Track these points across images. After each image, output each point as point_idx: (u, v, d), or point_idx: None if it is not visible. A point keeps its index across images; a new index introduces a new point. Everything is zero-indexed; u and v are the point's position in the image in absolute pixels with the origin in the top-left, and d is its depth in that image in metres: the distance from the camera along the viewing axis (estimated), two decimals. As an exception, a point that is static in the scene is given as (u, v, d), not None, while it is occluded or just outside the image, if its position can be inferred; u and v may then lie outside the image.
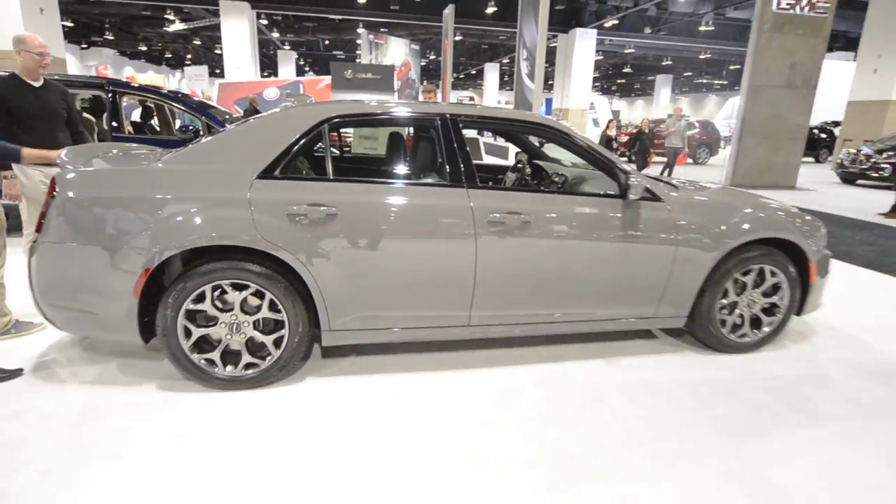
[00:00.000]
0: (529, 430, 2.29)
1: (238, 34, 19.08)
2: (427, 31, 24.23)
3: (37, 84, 3.36)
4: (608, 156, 2.85)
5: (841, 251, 5.61)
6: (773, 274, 2.99)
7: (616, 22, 21.21)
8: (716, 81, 42.48)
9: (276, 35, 26.25)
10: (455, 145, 2.67)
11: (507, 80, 39.33)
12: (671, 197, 2.87)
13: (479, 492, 1.90)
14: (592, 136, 20.14)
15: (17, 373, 2.60)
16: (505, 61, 32.30)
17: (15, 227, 3.40)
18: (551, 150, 3.85)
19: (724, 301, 2.99)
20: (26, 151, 2.96)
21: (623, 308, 2.88)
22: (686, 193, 3.00)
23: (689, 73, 39.52)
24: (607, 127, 15.57)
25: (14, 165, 3.16)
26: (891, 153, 10.82)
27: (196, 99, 6.72)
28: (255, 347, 2.53)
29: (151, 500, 1.80)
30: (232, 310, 2.44)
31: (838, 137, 14.49)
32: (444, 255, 2.56)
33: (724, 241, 2.85)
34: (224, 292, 2.41)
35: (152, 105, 7.40)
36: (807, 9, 10.36)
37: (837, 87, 17.26)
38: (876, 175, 11.29)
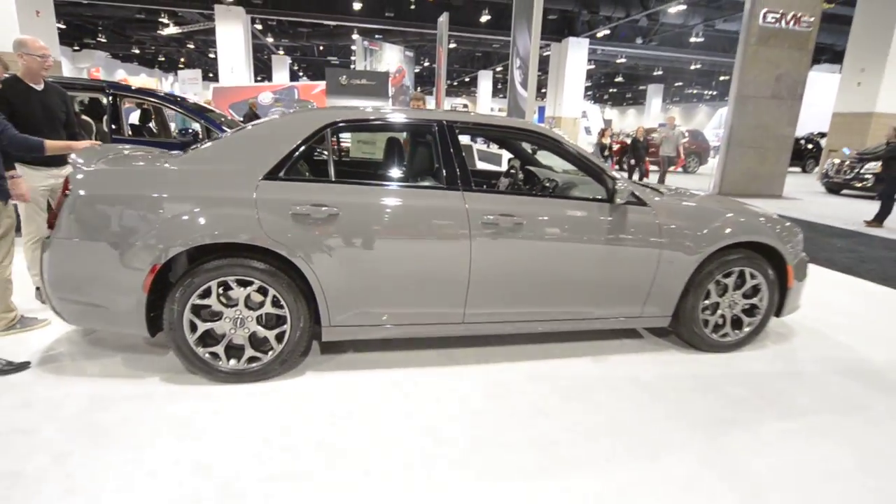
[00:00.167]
0: (521, 419, 2.41)
1: (233, 39, 19.21)
2: (421, 39, 24.44)
3: (38, 87, 3.41)
4: (597, 162, 3.00)
5: (823, 258, 5.80)
6: (752, 276, 3.14)
7: (608, 32, 21.55)
8: (706, 92, 43.08)
9: (270, 40, 26.37)
10: (451, 150, 2.80)
11: (501, 87, 39.69)
12: (656, 202, 3.01)
13: (475, 474, 2.01)
14: (584, 144, 20.40)
15: (24, 365, 2.69)
16: (498, 69, 32.64)
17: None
18: (543, 157, 4.00)
19: (707, 302, 3.13)
20: (49, 143, 3.04)
21: (610, 307, 3.01)
22: (670, 199, 3.15)
23: (680, 83, 40.05)
24: (602, 135, 15.81)
25: (18, 166, 3.23)
26: (871, 163, 11.08)
27: (194, 102, 6.81)
28: (257, 342, 2.63)
29: (164, 480, 1.90)
30: (236, 305, 2.55)
31: (824, 148, 14.81)
32: (441, 254, 2.68)
33: (706, 244, 2.99)
34: (229, 288, 2.52)
35: (150, 108, 7.48)
36: (792, 23, 10.66)
37: (824, 98, 17.65)
38: (859, 185, 11.58)
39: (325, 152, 2.77)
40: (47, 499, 1.80)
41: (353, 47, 24.06)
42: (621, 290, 2.98)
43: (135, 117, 8.59)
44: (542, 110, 24.67)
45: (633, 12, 19.27)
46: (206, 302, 2.49)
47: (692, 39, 21.85)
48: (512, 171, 3.87)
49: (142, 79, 26.81)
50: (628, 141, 16.26)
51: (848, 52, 13.46)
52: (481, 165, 11.80)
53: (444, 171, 2.78)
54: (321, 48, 30.42)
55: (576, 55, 21.96)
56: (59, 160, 3.48)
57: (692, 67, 29.97)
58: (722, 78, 32.84)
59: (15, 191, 2.97)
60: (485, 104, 33.96)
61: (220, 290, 2.51)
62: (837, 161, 12.22)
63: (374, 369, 2.84)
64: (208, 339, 2.58)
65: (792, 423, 2.48)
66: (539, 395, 2.65)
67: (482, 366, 2.93)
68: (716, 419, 2.48)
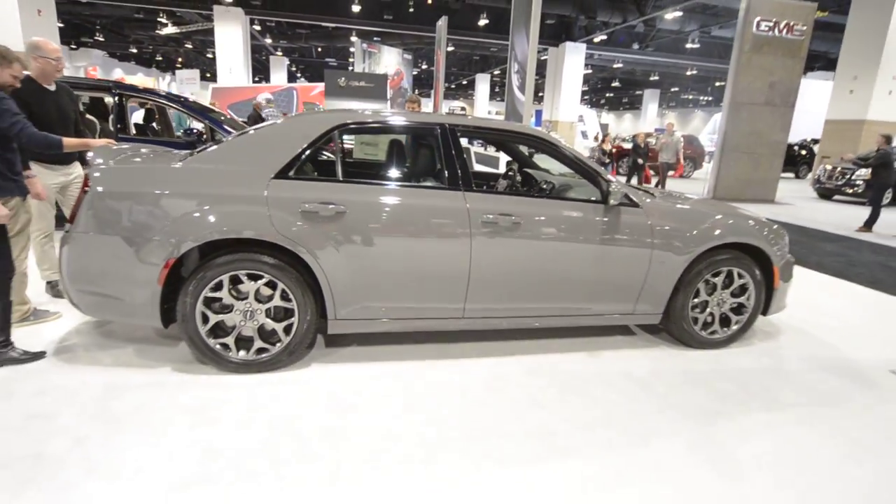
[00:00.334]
0: (519, 411, 2.52)
1: (231, 39, 19.31)
2: (420, 41, 24.61)
3: (51, 88, 3.50)
4: (592, 165, 3.12)
5: (813, 261, 5.95)
6: (740, 276, 3.26)
7: (605, 37, 21.78)
8: (701, 97, 43.44)
9: (268, 41, 26.46)
10: (453, 152, 2.93)
11: (498, 90, 39.87)
12: (647, 203, 3.14)
13: (475, 462, 2.12)
14: (581, 148, 20.55)
15: (39, 355, 2.78)
16: (496, 72, 32.81)
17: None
18: (540, 161, 4.13)
19: (696, 300, 3.25)
20: (66, 140, 3.13)
21: (604, 304, 3.14)
22: (662, 201, 3.28)
23: (676, 89, 40.41)
24: (603, 141, 15.98)
25: (33, 164, 3.32)
26: (862, 170, 11.26)
27: (198, 102, 6.92)
28: (266, 334, 2.74)
29: (179, 462, 2.00)
30: (246, 298, 2.65)
31: (817, 154, 15.01)
32: (443, 251, 2.80)
33: (695, 244, 3.12)
34: (239, 282, 2.63)
35: (153, 108, 7.57)
36: (785, 31, 10.85)
37: (818, 105, 17.85)
38: (850, 191, 11.79)
39: (332, 153, 2.88)
40: (69, 477, 1.90)
41: (352, 49, 24.18)
42: (615, 288, 3.11)
43: (137, 117, 8.68)
44: (539, 114, 24.85)
45: (629, 18, 19.51)
46: (217, 295, 2.60)
47: (688, 45, 22.09)
48: (510, 173, 3.99)
49: (139, 78, 26.80)
50: (625, 145, 16.44)
51: (840, 60, 13.67)
52: (478, 168, 11.93)
53: (446, 172, 2.90)
54: (319, 49, 30.55)
55: (573, 60, 22.19)
56: (69, 159, 3.58)
57: (688, 73, 30.27)
58: (717, 84, 33.15)
59: (31, 189, 3.06)
60: (482, 107, 34.14)
61: (231, 284, 2.62)
62: (829, 167, 12.42)
63: (378, 362, 2.95)
64: (219, 330, 2.68)
65: (776, 415, 2.61)
66: (537, 388, 2.76)
67: (482, 360, 3.04)
68: (704, 411, 2.60)
